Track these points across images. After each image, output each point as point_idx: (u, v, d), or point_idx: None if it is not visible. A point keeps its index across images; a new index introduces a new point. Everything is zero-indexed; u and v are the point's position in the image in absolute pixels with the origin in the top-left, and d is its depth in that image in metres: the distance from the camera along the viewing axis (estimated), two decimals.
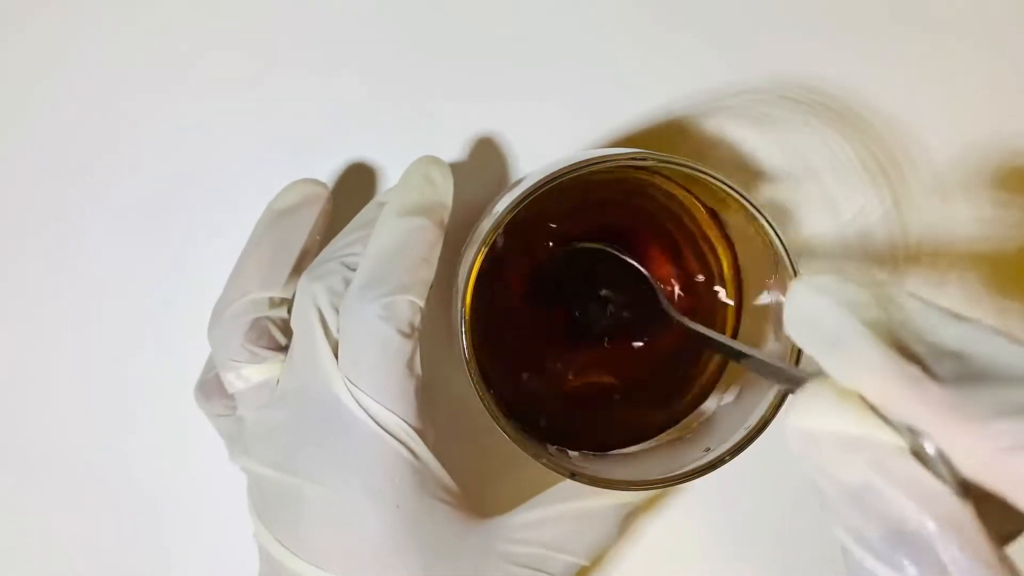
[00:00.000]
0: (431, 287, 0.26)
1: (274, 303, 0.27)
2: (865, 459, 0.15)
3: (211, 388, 0.28)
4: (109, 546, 0.32)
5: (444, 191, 0.27)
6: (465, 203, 0.29)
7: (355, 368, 0.24)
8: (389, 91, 0.30)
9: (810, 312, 0.16)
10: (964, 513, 0.14)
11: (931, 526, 0.14)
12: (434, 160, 0.27)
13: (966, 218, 0.31)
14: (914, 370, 0.14)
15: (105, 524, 0.32)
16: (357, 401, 0.24)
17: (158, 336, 0.31)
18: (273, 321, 0.27)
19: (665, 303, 0.27)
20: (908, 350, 0.15)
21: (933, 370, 0.14)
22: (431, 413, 0.26)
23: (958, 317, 0.15)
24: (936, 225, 0.31)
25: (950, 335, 0.15)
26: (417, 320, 0.25)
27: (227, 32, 0.31)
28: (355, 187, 0.31)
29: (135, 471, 0.32)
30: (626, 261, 0.28)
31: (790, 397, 0.17)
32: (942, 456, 0.14)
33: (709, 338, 0.24)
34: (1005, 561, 0.14)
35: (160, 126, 0.31)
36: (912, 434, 0.15)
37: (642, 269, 0.28)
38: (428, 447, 0.25)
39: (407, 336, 0.24)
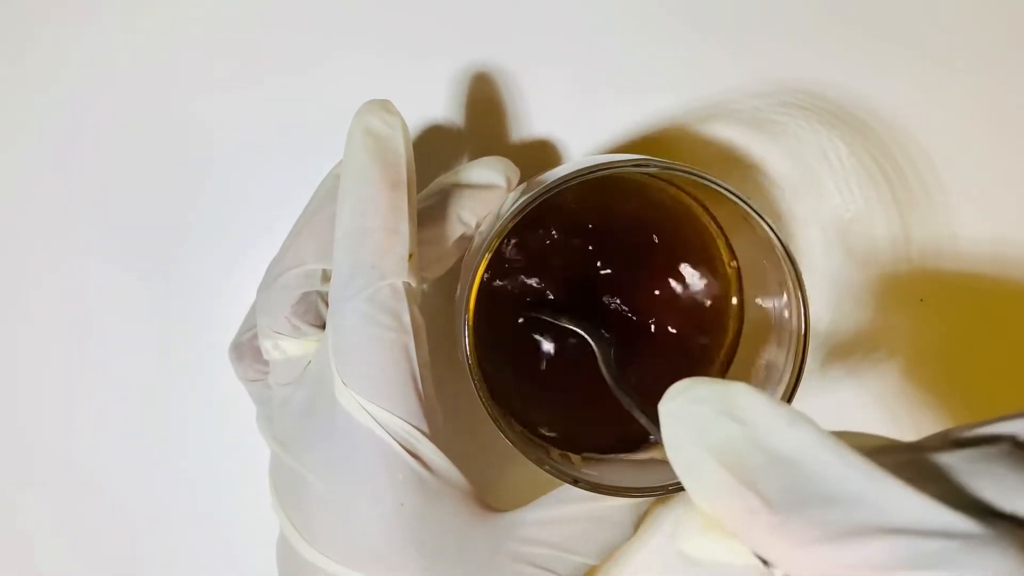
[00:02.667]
0: (437, 272, 0.25)
1: (327, 276, 0.25)
2: None
3: (245, 350, 0.27)
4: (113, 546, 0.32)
5: (392, 140, 0.23)
6: None
7: (347, 369, 0.24)
8: (390, 92, 0.30)
9: (672, 442, 0.17)
10: None
11: None
12: (372, 107, 0.24)
13: (968, 220, 0.31)
14: (751, 498, 0.15)
15: (108, 525, 0.32)
16: (357, 402, 0.24)
17: (158, 336, 0.31)
18: (322, 296, 0.26)
19: (610, 378, 0.26)
20: (749, 469, 0.15)
21: (767, 494, 0.15)
22: (441, 397, 0.25)
23: (792, 421, 0.15)
24: (938, 228, 0.31)
25: (785, 443, 0.15)
26: (404, 306, 0.23)
27: (228, 33, 0.31)
28: None
29: (137, 471, 0.32)
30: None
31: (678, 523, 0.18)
32: None
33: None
34: None
35: (161, 127, 0.31)
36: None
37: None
38: (433, 440, 0.24)
39: (395, 328, 0.23)
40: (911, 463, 0.15)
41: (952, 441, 0.16)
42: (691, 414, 0.16)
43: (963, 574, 0.13)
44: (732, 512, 0.15)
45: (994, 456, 0.15)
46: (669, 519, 0.17)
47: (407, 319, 0.24)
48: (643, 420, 0.24)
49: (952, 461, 0.15)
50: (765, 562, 0.15)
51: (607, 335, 0.27)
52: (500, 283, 0.27)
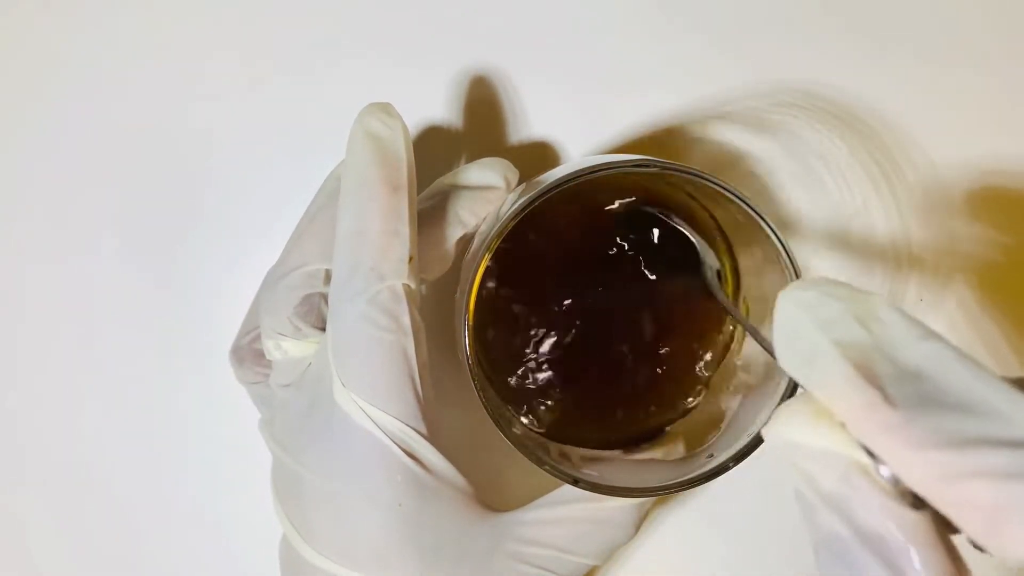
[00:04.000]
0: (440, 267, 0.25)
1: (329, 276, 0.25)
2: (834, 472, 0.16)
3: (245, 354, 0.28)
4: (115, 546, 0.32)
5: (393, 142, 0.24)
6: None
7: (346, 371, 0.24)
8: (390, 94, 0.30)
9: (790, 328, 0.17)
10: (918, 524, 0.15)
11: (890, 536, 0.15)
12: (373, 109, 0.24)
13: (967, 221, 0.31)
14: (873, 394, 0.15)
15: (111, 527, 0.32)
16: (355, 403, 0.24)
17: (159, 337, 0.31)
18: (325, 298, 0.26)
19: (720, 294, 0.26)
20: (873, 371, 0.15)
21: (890, 393, 0.15)
22: (440, 398, 0.25)
23: (927, 335, 0.15)
24: (938, 228, 0.31)
25: (915, 355, 0.15)
26: (403, 308, 0.23)
27: (228, 34, 0.31)
28: None
29: (138, 471, 0.32)
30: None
31: (776, 408, 0.18)
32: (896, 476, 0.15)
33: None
34: (958, 563, 0.15)
35: (162, 128, 0.31)
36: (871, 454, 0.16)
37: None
38: (432, 441, 0.24)
39: (394, 330, 0.23)
40: None
41: None
42: (823, 304, 0.16)
43: None
44: (851, 405, 0.15)
45: None
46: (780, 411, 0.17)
47: (406, 321, 0.24)
48: (751, 331, 0.24)
49: None
50: (873, 456, 0.15)
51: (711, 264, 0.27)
52: (500, 283, 0.27)
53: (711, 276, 0.26)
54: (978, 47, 0.32)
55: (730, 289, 0.28)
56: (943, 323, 0.32)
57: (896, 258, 0.32)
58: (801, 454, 0.16)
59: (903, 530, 0.15)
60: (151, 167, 0.31)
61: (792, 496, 0.17)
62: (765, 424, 0.23)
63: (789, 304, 0.17)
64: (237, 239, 0.31)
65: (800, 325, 0.16)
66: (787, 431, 0.17)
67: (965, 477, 0.14)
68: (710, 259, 0.27)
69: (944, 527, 0.15)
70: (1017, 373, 0.31)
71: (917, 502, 0.15)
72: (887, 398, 0.15)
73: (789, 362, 0.17)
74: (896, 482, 0.15)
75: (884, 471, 0.15)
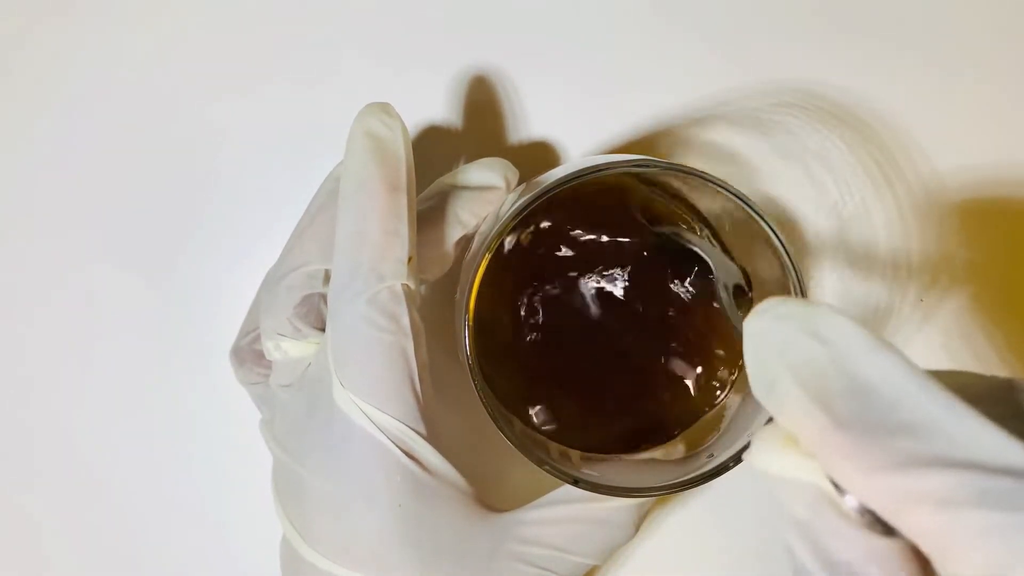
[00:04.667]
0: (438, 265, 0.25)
1: (329, 277, 0.25)
2: (803, 501, 0.16)
3: (245, 355, 0.28)
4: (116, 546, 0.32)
5: (392, 143, 0.24)
6: None
7: (345, 371, 0.24)
8: (389, 95, 0.31)
9: (752, 358, 0.17)
10: (888, 551, 0.15)
11: (857, 565, 0.15)
12: (372, 109, 0.24)
13: (968, 221, 0.32)
14: (824, 419, 0.15)
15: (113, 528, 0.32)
16: (354, 404, 0.24)
17: (161, 337, 0.31)
18: (324, 298, 0.26)
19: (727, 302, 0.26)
20: (827, 389, 0.15)
21: (842, 414, 0.15)
22: (439, 398, 0.25)
23: (877, 347, 0.15)
24: (938, 229, 0.31)
25: (866, 368, 0.15)
26: (403, 308, 0.23)
27: (228, 36, 0.31)
28: None
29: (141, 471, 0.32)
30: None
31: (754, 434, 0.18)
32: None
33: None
34: None
35: (161, 130, 0.31)
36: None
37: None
38: (431, 442, 0.24)
39: (394, 330, 0.23)
40: (1000, 399, 0.15)
41: None
42: (774, 330, 0.16)
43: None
44: (807, 431, 0.15)
45: None
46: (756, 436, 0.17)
47: (406, 322, 0.24)
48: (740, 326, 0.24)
49: None
50: (839, 488, 0.15)
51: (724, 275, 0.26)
52: (500, 284, 0.27)
53: (722, 292, 0.26)
54: (979, 47, 0.32)
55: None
56: (943, 323, 0.32)
57: (896, 259, 0.32)
58: (773, 483, 0.16)
59: (870, 559, 0.15)
60: (151, 168, 0.31)
61: None
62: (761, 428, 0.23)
63: (748, 334, 0.17)
64: (237, 239, 0.31)
65: (759, 354, 0.16)
66: (758, 459, 0.17)
67: (911, 502, 0.14)
68: (726, 274, 0.26)
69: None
70: (1018, 372, 0.31)
71: (888, 528, 0.15)
72: (838, 421, 0.15)
73: (757, 392, 0.17)
74: (864, 510, 0.15)
75: (850, 501, 0.15)
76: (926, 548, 0.14)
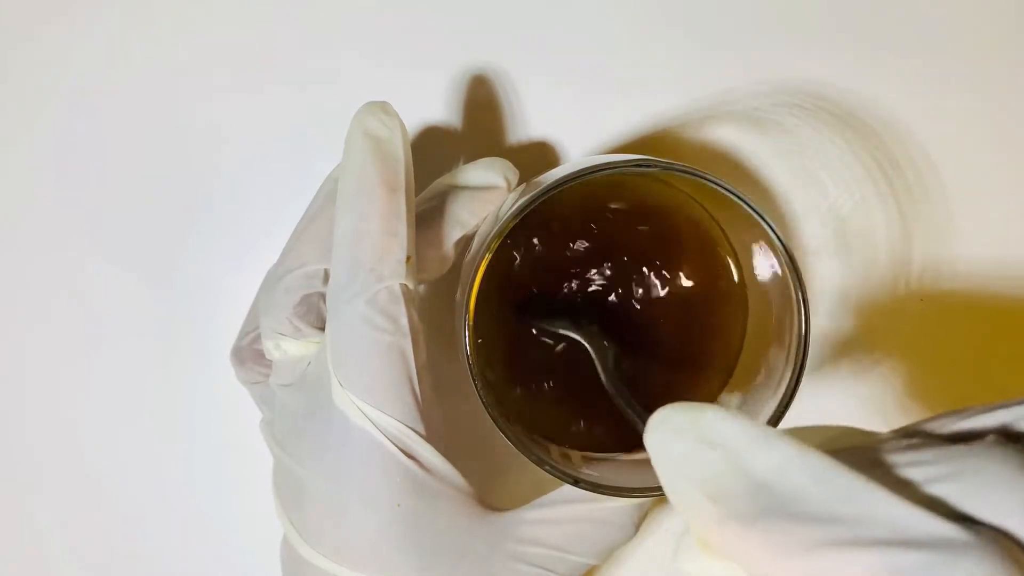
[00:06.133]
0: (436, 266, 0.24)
1: (329, 276, 0.25)
2: None
3: (245, 355, 0.28)
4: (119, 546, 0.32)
5: (391, 142, 0.23)
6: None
7: (343, 371, 0.24)
8: (389, 94, 0.31)
9: (657, 470, 0.17)
10: None
11: None
12: (371, 108, 0.24)
13: (967, 220, 0.32)
14: (731, 521, 0.15)
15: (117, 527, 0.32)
16: (353, 404, 0.24)
17: (161, 337, 0.31)
18: (324, 298, 0.26)
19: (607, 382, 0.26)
20: (727, 495, 0.15)
21: (747, 513, 0.15)
22: (438, 398, 0.25)
23: (766, 443, 0.15)
24: (937, 228, 0.31)
25: (760, 466, 0.15)
26: (401, 308, 0.24)
27: (228, 36, 0.31)
28: None
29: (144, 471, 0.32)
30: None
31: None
32: None
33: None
34: None
35: (162, 130, 0.31)
36: None
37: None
38: (430, 441, 0.24)
39: (392, 331, 0.23)
40: (894, 458, 0.15)
41: (935, 435, 0.16)
42: (670, 448, 0.17)
43: None
44: (717, 534, 0.16)
45: (979, 453, 0.15)
46: (672, 535, 0.17)
47: (404, 321, 0.24)
48: (641, 428, 0.24)
49: (930, 457, 0.15)
50: None
51: (606, 343, 0.27)
52: (500, 284, 0.27)
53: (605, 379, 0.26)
54: (979, 48, 0.32)
55: (733, 290, 0.28)
56: (943, 323, 0.32)
57: (896, 258, 0.32)
58: None
59: None
60: (151, 168, 0.31)
61: None
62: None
63: (649, 452, 0.17)
64: (237, 240, 0.31)
65: (662, 470, 0.17)
66: (683, 563, 0.17)
67: None
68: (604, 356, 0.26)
69: None
70: (1015, 372, 0.31)
71: None
72: (744, 519, 0.15)
73: (672, 501, 0.17)
74: None
75: None
76: None
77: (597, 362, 0.26)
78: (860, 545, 0.14)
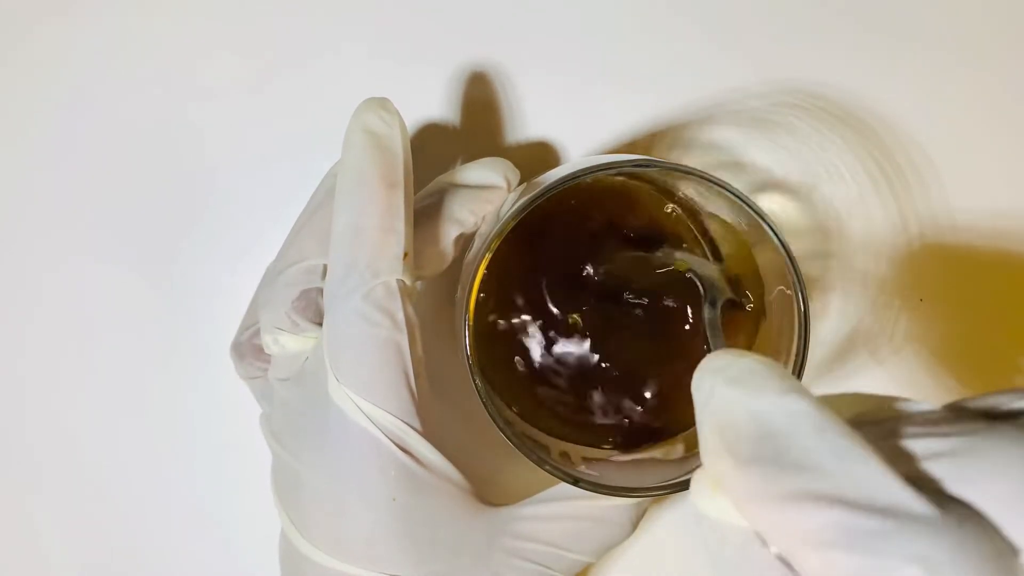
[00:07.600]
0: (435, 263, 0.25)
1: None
2: (734, 542, 0.16)
3: (245, 349, 0.28)
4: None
5: (390, 139, 0.23)
6: None
7: (340, 366, 0.24)
8: (389, 92, 0.31)
9: (695, 406, 0.17)
10: None
11: None
12: (371, 105, 0.24)
13: (967, 219, 0.32)
14: (726, 462, 0.16)
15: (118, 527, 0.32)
16: (349, 399, 0.24)
17: (160, 336, 0.31)
18: (322, 293, 0.26)
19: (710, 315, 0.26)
20: (737, 436, 0.16)
21: (745, 455, 0.15)
22: (436, 395, 0.25)
23: (784, 390, 0.16)
24: (938, 228, 0.32)
25: (770, 412, 0.16)
26: (398, 304, 0.23)
27: (226, 33, 0.31)
28: None
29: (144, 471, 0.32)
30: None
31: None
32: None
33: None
34: None
35: (161, 128, 0.31)
36: None
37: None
38: (427, 437, 0.24)
39: (388, 326, 0.23)
40: (879, 420, 0.16)
41: (967, 410, 0.16)
42: (703, 384, 0.17)
43: (886, 563, 0.13)
44: (720, 474, 0.16)
45: (991, 434, 0.14)
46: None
47: (400, 317, 0.24)
48: None
49: (940, 431, 0.15)
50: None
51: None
52: (500, 284, 0.27)
53: (708, 313, 0.26)
54: (980, 47, 0.32)
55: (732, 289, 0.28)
56: (943, 322, 0.32)
57: (896, 258, 0.32)
58: (707, 523, 0.17)
59: None
60: (150, 166, 0.31)
61: None
62: None
63: (693, 387, 0.17)
64: (237, 237, 0.31)
65: (696, 402, 0.17)
66: (694, 500, 0.17)
67: (798, 542, 0.14)
68: (717, 291, 0.26)
69: None
70: (1015, 372, 0.31)
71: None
72: (740, 461, 0.15)
73: (699, 437, 0.17)
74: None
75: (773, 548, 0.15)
76: None
77: (705, 296, 0.26)
78: (824, 501, 0.14)
